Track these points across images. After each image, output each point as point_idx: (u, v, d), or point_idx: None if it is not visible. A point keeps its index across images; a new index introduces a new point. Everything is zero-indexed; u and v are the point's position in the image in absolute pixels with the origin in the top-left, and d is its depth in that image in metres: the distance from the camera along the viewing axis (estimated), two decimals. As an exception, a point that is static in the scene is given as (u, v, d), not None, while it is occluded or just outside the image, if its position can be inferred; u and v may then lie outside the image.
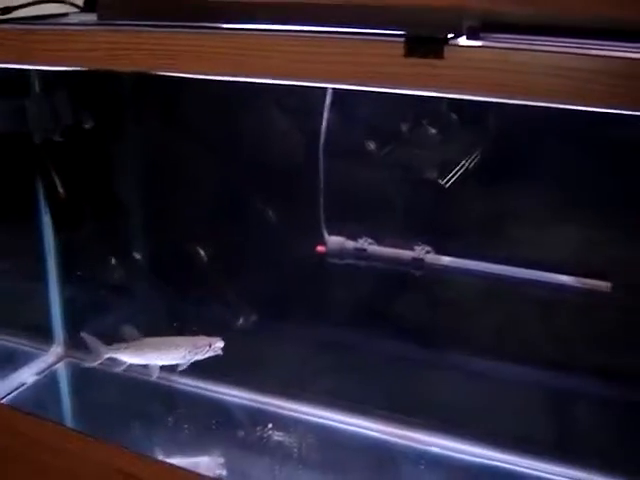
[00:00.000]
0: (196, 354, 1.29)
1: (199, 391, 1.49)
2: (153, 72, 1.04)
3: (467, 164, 1.28)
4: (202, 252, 1.50)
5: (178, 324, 1.46)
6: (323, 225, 1.36)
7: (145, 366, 1.32)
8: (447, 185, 1.29)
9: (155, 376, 1.32)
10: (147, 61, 1.01)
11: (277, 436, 1.37)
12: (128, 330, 1.34)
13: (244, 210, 1.45)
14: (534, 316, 1.29)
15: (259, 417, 1.42)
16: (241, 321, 1.48)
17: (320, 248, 1.36)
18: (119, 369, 1.32)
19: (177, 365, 1.30)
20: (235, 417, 1.45)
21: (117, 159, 1.54)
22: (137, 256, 1.58)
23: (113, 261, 1.58)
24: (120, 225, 1.59)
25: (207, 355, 1.29)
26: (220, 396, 1.49)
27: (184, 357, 1.30)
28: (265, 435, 1.38)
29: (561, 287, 1.21)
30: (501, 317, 1.32)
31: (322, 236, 1.36)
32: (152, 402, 1.46)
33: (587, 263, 1.22)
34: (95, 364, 1.33)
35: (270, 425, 1.39)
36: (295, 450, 1.35)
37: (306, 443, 1.36)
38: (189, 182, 1.49)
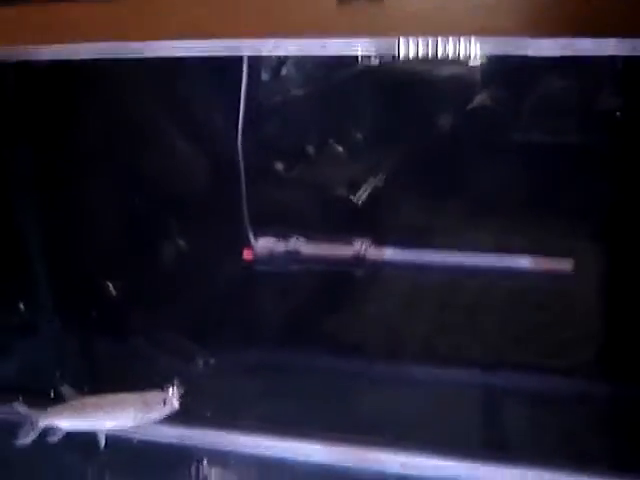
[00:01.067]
0: (149, 412, 1.15)
1: (121, 434, 1.30)
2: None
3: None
4: (117, 285, 1.35)
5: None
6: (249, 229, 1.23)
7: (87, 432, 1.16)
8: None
9: (102, 445, 1.16)
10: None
11: (215, 473, 1.22)
12: (64, 389, 1.19)
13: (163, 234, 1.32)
14: (503, 312, 1.18)
15: (191, 454, 1.25)
16: (200, 365, 1.33)
17: (247, 254, 1.22)
18: (55, 438, 1.15)
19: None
20: (165, 458, 1.27)
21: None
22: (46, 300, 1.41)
23: (22, 306, 1.40)
24: (25, 265, 1.40)
25: (164, 414, 1.16)
26: (145, 437, 1.30)
27: (135, 418, 1.15)
28: (200, 473, 1.22)
29: (520, 270, 1.11)
30: (462, 316, 1.21)
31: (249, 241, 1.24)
32: (67, 451, 1.24)
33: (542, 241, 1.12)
34: (30, 439, 1.15)
35: (205, 461, 1.23)
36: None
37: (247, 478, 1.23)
38: (99, 205, 1.35)
